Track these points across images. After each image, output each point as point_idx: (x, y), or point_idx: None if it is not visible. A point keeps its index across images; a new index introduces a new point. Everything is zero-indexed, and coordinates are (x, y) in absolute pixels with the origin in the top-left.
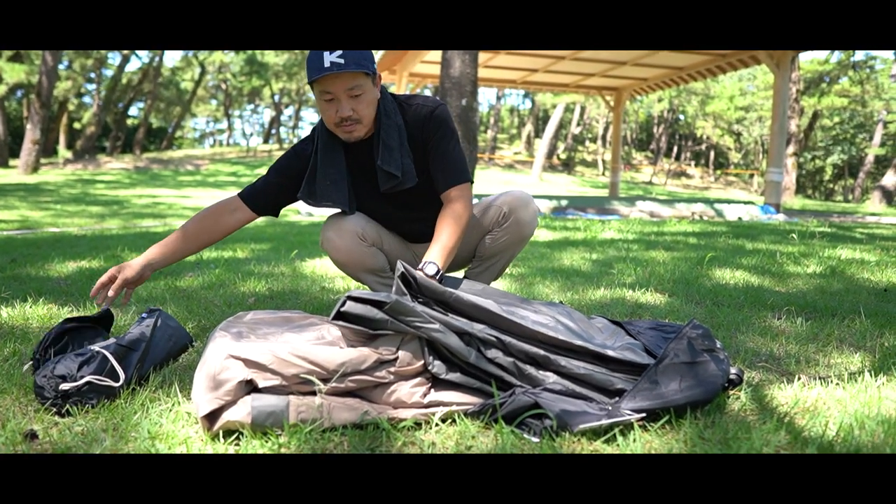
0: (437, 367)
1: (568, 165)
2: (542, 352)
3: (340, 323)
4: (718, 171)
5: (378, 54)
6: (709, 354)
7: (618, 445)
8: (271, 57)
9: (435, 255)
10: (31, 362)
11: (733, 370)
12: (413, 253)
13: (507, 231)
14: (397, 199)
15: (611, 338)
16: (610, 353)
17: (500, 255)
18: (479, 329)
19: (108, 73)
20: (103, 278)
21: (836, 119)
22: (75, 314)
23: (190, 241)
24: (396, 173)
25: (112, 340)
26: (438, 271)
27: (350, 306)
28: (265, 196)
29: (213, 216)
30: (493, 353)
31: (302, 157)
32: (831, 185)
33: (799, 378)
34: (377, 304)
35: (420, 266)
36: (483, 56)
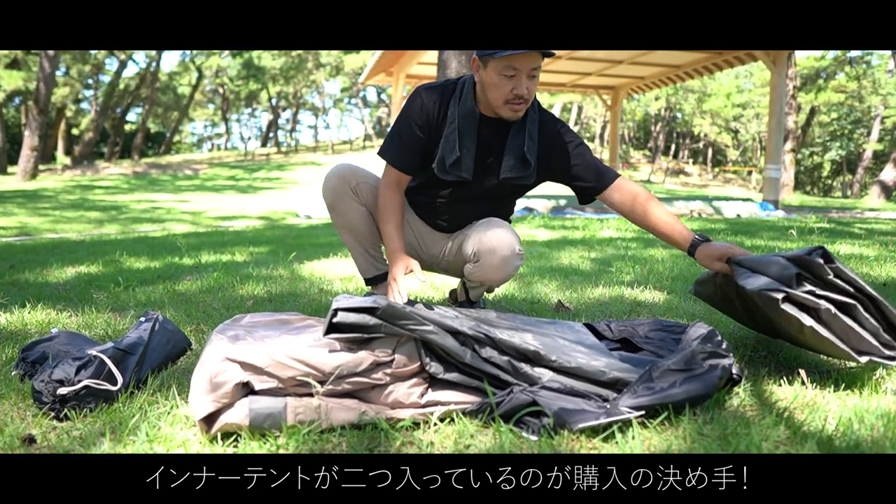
0: (435, 367)
1: None
2: (531, 347)
3: (334, 336)
4: (716, 169)
5: (375, 55)
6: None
7: (616, 443)
8: (268, 60)
9: (688, 233)
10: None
11: (735, 369)
12: (437, 242)
13: (479, 269)
14: (490, 188)
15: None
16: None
17: (481, 284)
18: (469, 327)
19: (106, 78)
20: (397, 286)
21: (834, 115)
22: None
23: (400, 215)
24: (534, 163)
25: (110, 344)
26: (708, 238)
27: (342, 317)
28: (410, 155)
29: (398, 195)
30: (488, 353)
31: (430, 114)
32: (829, 181)
33: (798, 373)
34: (369, 311)
35: (694, 240)
36: None
